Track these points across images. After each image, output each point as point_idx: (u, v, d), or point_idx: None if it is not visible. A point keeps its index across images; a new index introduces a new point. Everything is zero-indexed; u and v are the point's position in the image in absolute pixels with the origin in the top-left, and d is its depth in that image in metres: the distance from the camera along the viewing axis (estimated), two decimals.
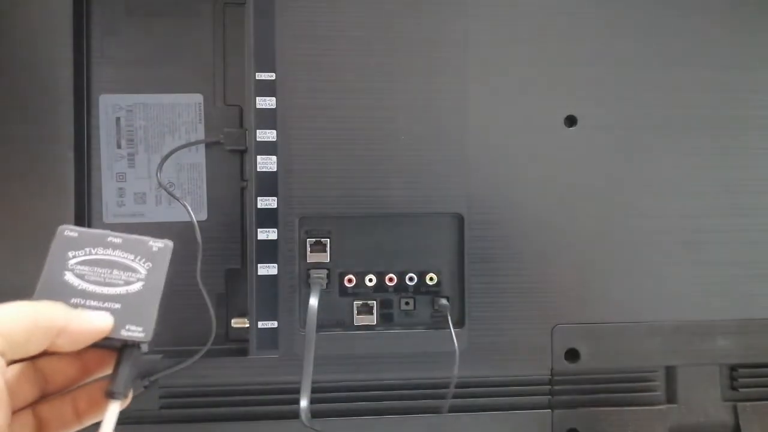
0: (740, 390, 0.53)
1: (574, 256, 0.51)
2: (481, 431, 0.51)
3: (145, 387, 0.48)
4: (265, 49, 0.48)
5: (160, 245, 0.34)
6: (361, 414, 0.50)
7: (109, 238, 0.33)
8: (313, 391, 0.44)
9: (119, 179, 0.52)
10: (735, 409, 0.53)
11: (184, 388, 0.49)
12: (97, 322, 0.30)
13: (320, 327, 0.47)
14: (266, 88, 0.48)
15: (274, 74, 0.48)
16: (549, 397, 0.52)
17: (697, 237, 0.52)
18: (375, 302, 0.50)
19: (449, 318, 0.49)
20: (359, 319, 0.50)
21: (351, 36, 0.49)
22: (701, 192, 0.52)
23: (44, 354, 0.29)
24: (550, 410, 0.52)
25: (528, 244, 0.50)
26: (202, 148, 0.52)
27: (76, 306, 0.30)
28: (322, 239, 0.49)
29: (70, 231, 0.32)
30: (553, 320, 0.51)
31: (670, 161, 0.52)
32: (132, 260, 0.33)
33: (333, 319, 0.50)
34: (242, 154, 0.52)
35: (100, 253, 0.32)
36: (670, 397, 0.53)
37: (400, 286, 0.50)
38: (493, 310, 0.50)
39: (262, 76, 0.48)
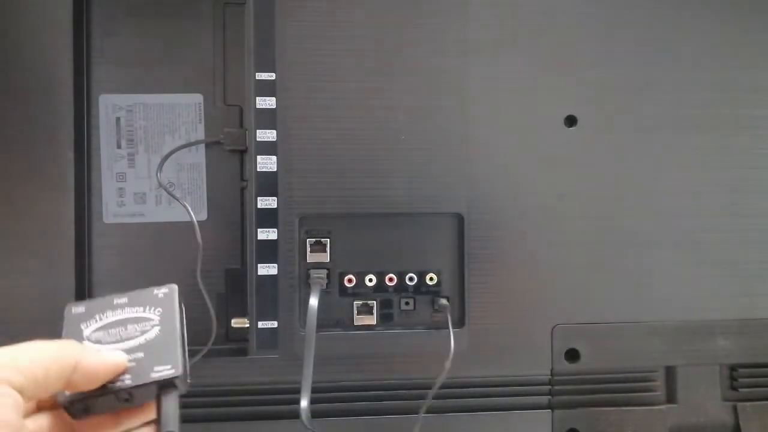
0: (740, 390, 0.54)
1: (574, 256, 0.51)
2: (481, 431, 0.51)
3: None
4: (265, 49, 0.48)
5: (165, 291, 0.35)
6: (361, 414, 0.50)
7: (115, 301, 0.34)
8: (313, 391, 0.44)
9: (119, 179, 0.52)
10: (735, 409, 0.53)
11: None
12: (110, 355, 0.31)
13: (320, 327, 0.47)
14: (266, 88, 0.48)
15: (274, 74, 0.48)
16: (549, 397, 0.52)
17: (697, 237, 0.52)
18: (375, 302, 0.50)
19: (449, 318, 0.49)
20: (359, 319, 0.50)
21: (351, 36, 0.49)
22: (701, 192, 0.52)
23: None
24: (550, 410, 0.52)
25: (528, 245, 0.50)
26: (202, 148, 0.52)
27: None
28: (322, 239, 0.49)
29: (76, 307, 0.34)
30: (553, 320, 0.51)
31: (670, 161, 0.52)
32: (142, 312, 0.33)
33: (333, 319, 0.50)
34: (242, 154, 0.52)
35: (110, 317, 0.33)
36: (670, 397, 0.53)
37: (400, 286, 0.50)
38: (493, 310, 0.50)
39: (262, 76, 0.48)
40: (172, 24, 0.52)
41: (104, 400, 0.30)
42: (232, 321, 0.50)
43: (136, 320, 0.33)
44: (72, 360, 0.29)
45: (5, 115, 0.48)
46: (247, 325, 0.49)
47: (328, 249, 0.49)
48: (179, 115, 0.52)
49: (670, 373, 0.53)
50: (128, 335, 0.32)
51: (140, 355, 0.32)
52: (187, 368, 0.32)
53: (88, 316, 0.33)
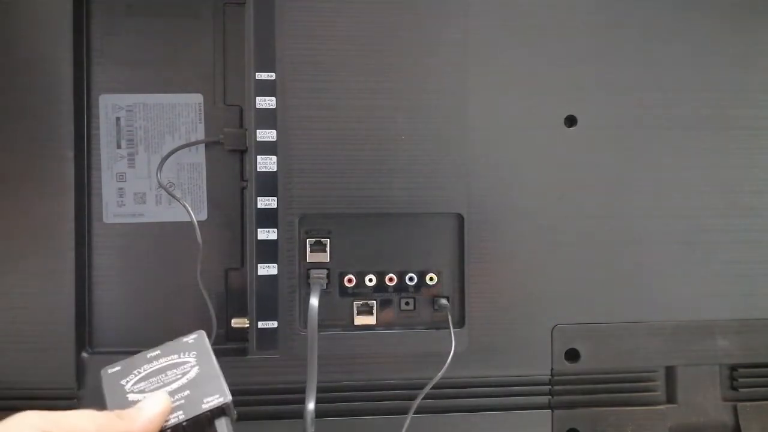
0: (740, 390, 0.54)
1: (575, 256, 0.51)
2: (481, 431, 0.51)
3: None
4: (265, 49, 0.48)
5: (194, 336, 0.37)
6: (361, 414, 0.51)
7: (148, 354, 0.36)
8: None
9: (119, 179, 0.52)
10: (735, 409, 0.54)
11: None
12: (149, 405, 0.32)
13: (320, 327, 0.47)
14: (266, 88, 0.48)
15: (274, 74, 0.48)
16: (549, 397, 0.52)
17: (697, 237, 0.52)
18: (375, 302, 0.50)
19: (449, 318, 0.49)
20: (359, 319, 0.50)
21: (351, 36, 0.49)
22: (701, 192, 0.52)
23: None
24: (550, 410, 0.52)
25: (528, 244, 0.50)
26: (202, 148, 0.52)
27: None
28: (322, 239, 0.49)
29: (111, 368, 0.35)
30: (553, 320, 0.51)
31: (670, 161, 0.52)
32: (177, 358, 0.35)
33: (333, 319, 0.50)
34: (242, 154, 0.52)
35: (147, 369, 0.35)
36: (670, 397, 0.53)
37: (400, 286, 0.50)
38: (493, 310, 0.50)
39: (262, 76, 0.48)
40: (172, 24, 0.52)
41: None
42: (232, 321, 0.50)
43: (174, 366, 0.35)
44: None
45: (5, 115, 0.48)
46: (247, 325, 0.49)
47: (328, 249, 0.49)
48: (179, 115, 0.52)
49: (670, 373, 0.53)
50: (170, 380, 0.34)
51: (186, 392, 0.34)
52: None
53: (125, 373, 0.35)
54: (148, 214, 0.52)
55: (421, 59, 0.49)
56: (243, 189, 0.52)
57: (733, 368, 0.54)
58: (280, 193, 0.48)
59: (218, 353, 0.49)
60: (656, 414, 0.53)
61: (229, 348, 0.51)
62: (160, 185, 0.50)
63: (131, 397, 0.33)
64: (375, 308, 0.50)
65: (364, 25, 0.49)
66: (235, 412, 0.34)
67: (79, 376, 0.48)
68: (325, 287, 0.49)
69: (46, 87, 0.48)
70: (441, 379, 0.46)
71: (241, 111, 0.52)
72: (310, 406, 0.41)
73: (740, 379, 0.53)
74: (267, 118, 0.48)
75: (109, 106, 0.51)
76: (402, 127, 0.49)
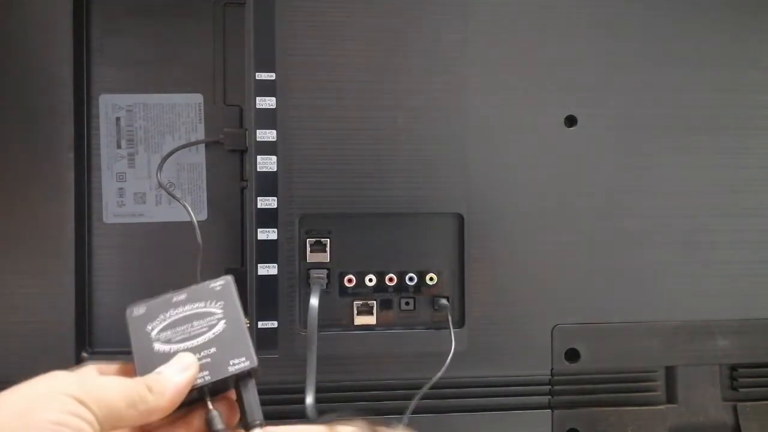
0: (740, 390, 0.54)
1: (574, 256, 0.51)
2: (481, 431, 0.51)
3: None
4: (265, 49, 0.48)
5: (221, 282, 0.35)
6: (361, 414, 0.50)
7: (174, 299, 0.35)
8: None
9: (119, 179, 0.52)
10: (735, 409, 0.54)
11: None
12: (176, 378, 0.31)
13: (320, 327, 0.46)
14: (266, 88, 0.48)
15: (274, 74, 0.48)
16: (549, 397, 0.52)
17: (697, 237, 0.52)
18: (375, 302, 0.50)
19: (449, 318, 0.49)
20: (359, 319, 0.50)
21: (351, 36, 0.49)
22: (701, 192, 0.52)
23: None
24: (550, 410, 0.52)
25: (528, 244, 0.50)
26: (202, 148, 0.52)
27: None
28: (322, 239, 0.49)
29: (136, 309, 0.34)
30: (553, 320, 0.51)
31: (671, 161, 0.52)
32: (203, 307, 0.34)
33: (333, 319, 0.50)
34: (242, 154, 0.52)
35: (173, 315, 0.34)
36: (670, 397, 0.53)
37: (400, 286, 0.50)
38: (493, 310, 0.50)
39: (262, 76, 0.48)
40: (172, 24, 0.52)
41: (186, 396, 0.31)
42: None
43: (200, 316, 0.34)
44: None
45: (5, 115, 0.48)
46: (247, 325, 0.49)
47: (328, 249, 0.49)
48: (179, 115, 0.52)
49: (670, 373, 0.53)
50: (196, 332, 0.33)
51: (213, 350, 0.33)
52: (255, 355, 0.33)
53: (151, 317, 0.34)
54: (148, 214, 0.52)
55: (421, 59, 0.49)
56: (243, 189, 0.52)
57: (733, 368, 0.54)
58: (280, 193, 0.48)
59: None
60: (656, 414, 0.53)
61: None
62: (160, 185, 0.50)
63: (157, 346, 0.33)
64: (375, 308, 0.50)
65: (364, 25, 0.49)
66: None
67: None
68: (325, 287, 0.49)
69: (46, 87, 0.48)
70: (441, 379, 0.46)
71: (241, 111, 0.52)
72: (309, 399, 0.41)
73: (740, 379, 0.53)
74: (267, 118, 0.48)
75: (109, 106, 0.51)
76: (402, 127, 0.49)
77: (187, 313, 0.34)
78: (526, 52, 0.50)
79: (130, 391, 0.29)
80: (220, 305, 0.34)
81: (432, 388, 0.50)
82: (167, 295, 0.35)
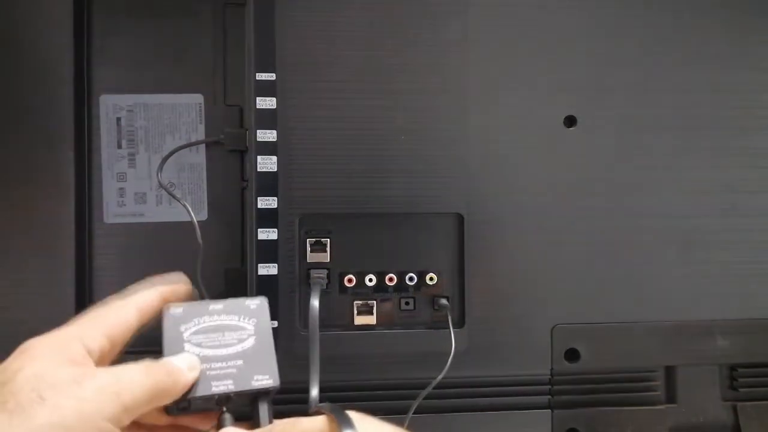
0: (740, 390, 0.54)
1: (574, 256, 0.51)
2: (481, 431, 0.51)
3: None
4: (265, 49, 0.48)
5: (257, 302, 0.37)
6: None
7: (211, 306, 0.36)
8: None
9: (120, 179, 0.52)
10: (735, 409, 0.54)
11: None
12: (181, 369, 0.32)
13: (320, 327, 0.46)
14: (266, 88, 0.48)
15: (274, 74, 0.48)
16: (549, 397, 0.52)
17: (697, 237, 0.52)
18: (375, 302, 0.50)
19: (449, 318, 0.49)
20: (359, 319, 0.50)
21: (351, 36, 0.49)
22: (701, 192, 0.52)
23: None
24: (550, 410, 0.52)
25: (528, 244, 0.50)
26: (202, 148, 0.52)
27: (204, 372, 0.33)
28: (322, 239, 0.49)
29: (175, 308, 0.35)
30: (553, 320, 0.51)
31: (670, 161, 0.52)
32: (237, 321, 0.36)
33: (333, 319, 0.50)
34: (242, 154, 0.52)
35: (208, 321, 0.35)
36: (670, 397, 0.53)
37: (400, 286, 0.50)
38: (493, 310, 0.50)
39: (262, 76, 0.48)
40: (172, 24, 0.52)
41: (206, 400, 0.33)
42: None
43: (233, 328, 0.35)
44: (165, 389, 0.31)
45: (5, 115, 0.48)
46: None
47: (328, 249, 0.49)
48: (179, 115, 0.52)
49: (670, 373, 0.53)
50: (226, 342, 0.35)
51: (239, 362, 0.34)
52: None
53: (186, 319, 0.35)
54: (148, 214, 0.52)
55: (421, 59, 0.49)
56: (243, 189, 0.52)
57: (733, 368, 0.54)
58: (280, 193, 0.48)
59: None
60: (656, 414, 0.53)
61: None
62: (161, 185, 0.50)
63: (188, 347, 0.34)
64: (375, 308, 0.50)
65: (364, 25, 0.49)
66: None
67: None
68: (325, 287, 0.49)
69: (46, 87, 0.48)
70: (441, 379, 0.46)
71: (241, 111, 0.52)
72: (314, 392, 0.41)
73: (740, 379, 0.53)
74: (267, 118, 0.48)
75: (109, 106, 0.51)
76: (402, 127, 0.49)
77: (221, 322, 0.35)
78: (526, 51, 0.50)
79: (159, 385, 0.30)
80: (252, 322, 0.36)
81: (432, 388, 0.50)
82: (205, 302, 0.36)
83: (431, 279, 0.50)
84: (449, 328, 0.48)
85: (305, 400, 0.41)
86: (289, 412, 0.49)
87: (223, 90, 0.52)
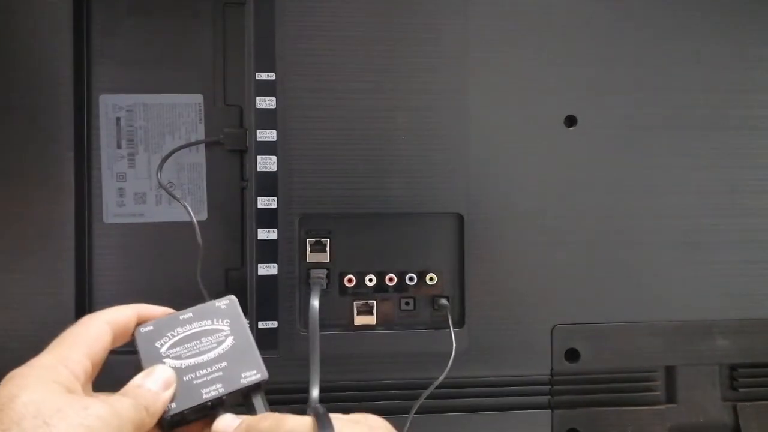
0: (740, 390, 0.54)
1: (574, 256, 0.51)
2: (481, 431, 0.51)
3: None
4: (265, 49, 0.48)
5: (226, 302, 0.36)
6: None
7: (181, 317, 0.35)
8: None
9: (119, 179, 0.52)
10: (735, 409, 0.54)
11: None
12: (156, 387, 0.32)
13: (320, 327, 0.46)
14: (266, 88, 0.48)
15: (274, 74, 0.48)
16: (549, 397, 0.52)
17: (697, 237, 0.52)
18: (375, 302, 0.50)
19: (449, 318, 0.49)
20: (359, 319, 0.50)
21: (351, 36, 0.49)
22: (701, 192, 0.52)
23: None
24: (550, 410, 0.52)
25: (528, 244, 0.50)
26: (202, 148, 0.52)
27: (191, 381, 0.33)
28: (322, 239, 0.49)
29: (144, 328, 0.35)
30: (553, 320, 0.51)
31: (670, 161, 0.52)
32: (211, 324, 0.35)
33: (333, 319, 0.50)
34: (242, 154, 0.52)
35: (181, 332, 0.35)
36: (670, 397, 0.53)
37: (400, 286, 0.50)
38: (493, 310, 0.50)
39: (262, 76, 0.48)
40: (172, 24, 0.52)
41: (199, 408, 0.32)
42: None
43: (208, 332, 0.35)
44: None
45: (5, 115, 0.48)
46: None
47: (328, 249, 0.49)
48: (179, 115, 0.52)
49: (670, 373, 0.53)
50: (205, 348, 0.34)
51: (224, 364, 0.34)
52: (265, 367, 0.34)
53: (159, 335, 0.35)
54: (148, 214, 0.52)
55: (421, 59, 0.49)
56: (243, 189, 0.52)
57: (733, 368, 0.54)
58: (280, 193, 0.48)
59: None
60: (656, 414, 0.53)
61: None
62: (160, 185, 0.50)
63: (168, 362, 0.33)
64: (375, 308, 0.50)
65: (364, 25, 0.49)
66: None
67: None
68: (325, 287, 0.49)
69: (46, 87, 0.48)
70: (442, 379, 0.46)
71: (241, 111, 0.52)
72: (314, 393, 0.41)
73: (740, 379, 0.53)
74: (267, 118, 0.48)
75: (109, 106, 0.51)
76: (402, 127, 0.49)
77: (195, 330, 0.35)
78: (526, 51, 0.50)
79: (137, 418, 0.30)
80: (226, 323, 0.35)
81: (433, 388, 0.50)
82: (174, 314, 0.36)
83: (431, 279, 0.50)
84: (449, 328, 0.48)
85: (306, 401, 0.41)
86: (287, 412, 0.49)
87: (223, 90, 0.52)
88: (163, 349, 0.34)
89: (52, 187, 0.48)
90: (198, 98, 0.52)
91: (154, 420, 0.31)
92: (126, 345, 0.34)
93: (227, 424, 0.32)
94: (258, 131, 0.48)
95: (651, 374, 0.53)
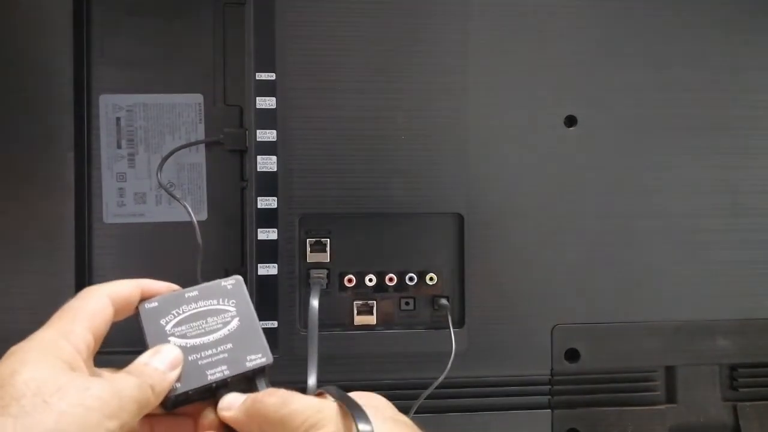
0: (740, 390, 0.54)
1: (574, 256, 0.51)
2: (481, 431, 0.51)
3: None
4: (265, 49, 0.48)
5: (232, 282, 0.36)
6: None
7: (186, 294, 0.35)
8: None
9: (119, 179, 0.52)
10: (735, 409, 0.53)
11: None
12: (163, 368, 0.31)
13: (320, 327, 0.46)
14: (266, 88, 0.48)
15: (274, 74, 0.48)
16: (549, 397, 0.52)
17: (697, 237, 0.52)
18: (375, 302, 0.50)
19: (449, 318, 0.49)
20: (359, 319, 0.50)
21: (351, 36, 0.49)
22: (701, 192, 0.52)
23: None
24: (550, 410, 0.52)
25: (528, 244, 0.50)
26: (202, 148, 0.52)
27: (196, 361, 0.32)
28: (322, 239, 0.49)
29: (149, 304, 0.34)
30: (553, 320, 0.51)
31: (671, 161, 0.52)
32: (217, 304, 0.35)
33: (333, 319, 0.50)
34: (242, 154, 0.52)
35: (186, 311, 0.34)
36: (670, 397, 0.53)
37: (400, 286, 0.50)
38: (493, 310, 0.50)
39: (262, 76, 0.48)
40: (172, 24, 0.52)
41: (204, 389, 0.32)
42: None
43: (214, 312, 0.34)
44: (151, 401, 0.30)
45: (5, 116, 0.48)
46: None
47: (328, 249, 0.49)
48: (179, 115, 0.52)
49: (670, 373, 0.53)
50: (211, 328, 0.34)
51: (229, 345, 0.33)
52: (269, 351, 0.34)
53: (164, 312, 0.34)
54: (148, 214, 0.52)
55: (421, 59, 0.49)
56: (243, 189, 0.52)
57: (733, 368, 0.54)
58: (280, 193, 0.48)
59: None
60: (656, 414, 0.53)
61: None
62: (160, 185, 0.50)
63: (173, 341, 0.33)
64: (375, 308, 0.50)
65: (364, 25, 0.49)
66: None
67: None
68: (325, 287, 0.49)
69: (46, 87, 0.48)
70: (442, 380, 0.46)
71: (241, 111, 0.52)
72: (311, 381, 0.41)
73: (740, 379, 0.53)
74: (267, 118, 0.48)
75: (109, 106, 0.51)
76: (402, 127, 0.49)
77: (201, 309, 0.34)
78: (526, 51, 0.50)
79: (142, 397, 0.29)
80: (232, 303, 0.35)
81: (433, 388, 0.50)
82: (179, 291, 0.35)
83: (431, 279, 0.50)
84: (449, 328, 0.48)
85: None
86: None
87: (223, 90, 0.52)
88: (168, 327, 0.33)
89: (52, 187, 0.48)
90: (198, 98, 0.52)
91: (159, 399, 0.30)
92: (124, 346, 0.34)
93: (233, 399, 0.32)
94: (258, 131, 0.48)
95: (651, 374, 0.53)
